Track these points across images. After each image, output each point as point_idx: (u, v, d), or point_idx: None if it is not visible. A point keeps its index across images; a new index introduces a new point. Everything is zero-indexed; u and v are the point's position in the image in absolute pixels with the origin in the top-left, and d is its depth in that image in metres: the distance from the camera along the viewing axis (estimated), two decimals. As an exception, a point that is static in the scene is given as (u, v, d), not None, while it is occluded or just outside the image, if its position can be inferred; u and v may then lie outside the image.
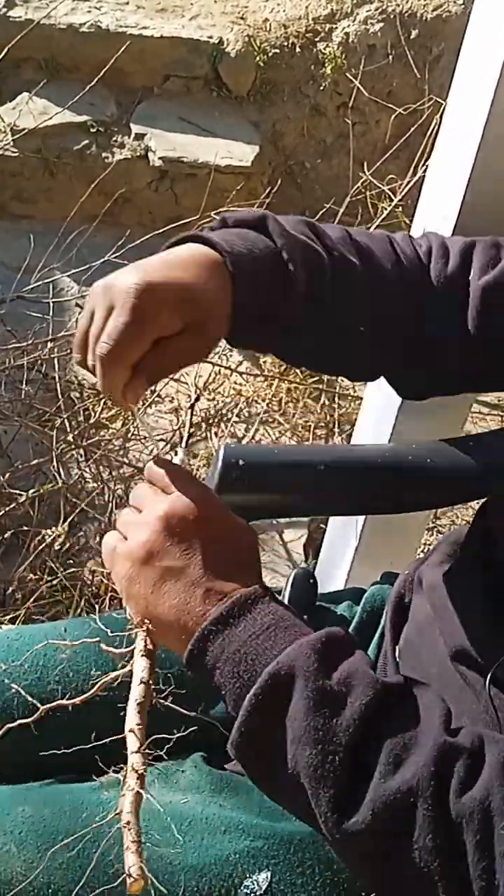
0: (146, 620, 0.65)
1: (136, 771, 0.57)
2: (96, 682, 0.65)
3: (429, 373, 0.86)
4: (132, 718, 0.60)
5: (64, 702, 0.64)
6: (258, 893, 0.72)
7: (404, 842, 0.54)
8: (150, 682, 0.63)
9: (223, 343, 0.74)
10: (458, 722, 0.72)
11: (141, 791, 0.56)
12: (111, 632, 0.68)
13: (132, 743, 0.59)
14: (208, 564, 0.63)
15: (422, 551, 1.66)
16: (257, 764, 0.60)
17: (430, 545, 1.71)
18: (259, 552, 0.68)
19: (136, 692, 0.62)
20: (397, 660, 0.83)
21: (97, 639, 0.83)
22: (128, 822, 0.55)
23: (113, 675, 0.64)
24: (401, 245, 0.83)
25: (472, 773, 0.55)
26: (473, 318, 0.81)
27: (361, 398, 1.40)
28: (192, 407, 2.11)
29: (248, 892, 0.73)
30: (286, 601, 0.92)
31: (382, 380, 1.13)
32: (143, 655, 0.64)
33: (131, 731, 0.59)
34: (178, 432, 2.24)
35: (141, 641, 0.64)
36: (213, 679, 0.62)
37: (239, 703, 0.59)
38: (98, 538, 1.98)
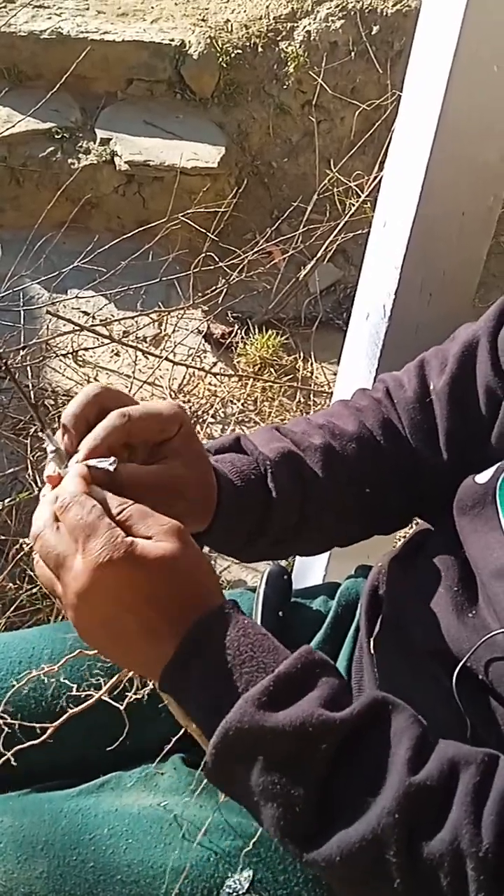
0: None
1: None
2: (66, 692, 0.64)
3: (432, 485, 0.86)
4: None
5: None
6: (240, 892, 0.72)
7: (377, 881, 0.55)
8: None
9: (197, 344, 0.74)
10: (434, 713, 0.72)
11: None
12: None
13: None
14: (144, 615, 0.58)
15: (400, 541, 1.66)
16: (227, 790, 0.60)
17: (405, 537, 1.71)
18: (192, 563, 0.60)
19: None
20: (372, 652, 0.83)
21: (77, 651, 0.83)
22: None
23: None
24: (355, 401, 0.87)
25: (441, 814, 0.54)
26: (444, 419, 0.83)
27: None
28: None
29: (231, 891, 0.72)
30: (261, 599, 0.92)
31: (352, 377, 1.13)
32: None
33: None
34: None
35: None
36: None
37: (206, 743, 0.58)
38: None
